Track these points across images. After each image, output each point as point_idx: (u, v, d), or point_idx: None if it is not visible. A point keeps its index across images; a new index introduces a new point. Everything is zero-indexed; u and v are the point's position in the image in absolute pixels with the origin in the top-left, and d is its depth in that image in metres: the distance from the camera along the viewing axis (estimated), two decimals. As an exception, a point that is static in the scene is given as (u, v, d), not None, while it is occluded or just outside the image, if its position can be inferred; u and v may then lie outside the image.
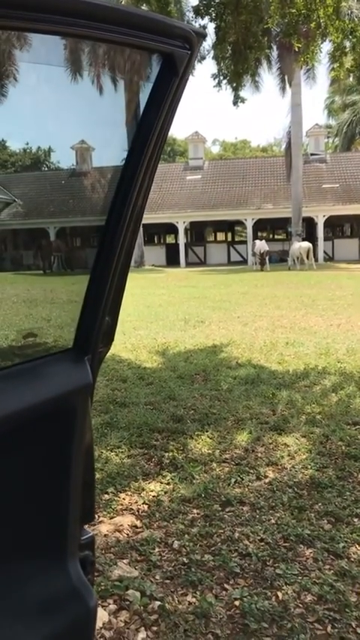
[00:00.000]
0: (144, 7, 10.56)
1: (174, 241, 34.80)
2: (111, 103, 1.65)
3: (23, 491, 1.36)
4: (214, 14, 8.53)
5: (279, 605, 2.49)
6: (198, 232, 36.52)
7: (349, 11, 9.62)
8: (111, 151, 2.03)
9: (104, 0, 1.05)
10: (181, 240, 32.72)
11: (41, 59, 1.19)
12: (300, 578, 2.68)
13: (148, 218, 28.94)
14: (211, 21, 8.71)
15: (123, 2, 20.60)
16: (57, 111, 1.76)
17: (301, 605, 2.49)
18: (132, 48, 1.19)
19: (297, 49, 8.13)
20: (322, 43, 7.95)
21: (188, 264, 32.44)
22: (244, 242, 33.47)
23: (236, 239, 36.91)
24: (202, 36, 1.27)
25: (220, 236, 37.78)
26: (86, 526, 1.54)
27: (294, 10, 6.96)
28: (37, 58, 1.19)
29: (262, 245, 26.90)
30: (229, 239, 36.86)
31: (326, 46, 11.06)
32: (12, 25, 0.96)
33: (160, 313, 11.59)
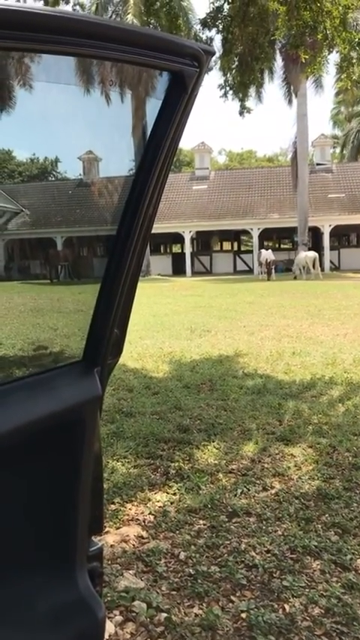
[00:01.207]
0: (153, 21, 10.67)
1: (180, 251, 34.94)
2: (120, 117, 1.68)
3: (32, 503, 1.37)
4: (221, 26, 8.62)
5: (286, 617, 2.47)
6: (204, 242, 36.66)
7: (355, 22, 9.71)
8: (119, 163, 2.05)
9: (116, 21, 1.07)
10: (187, 249, 32.83)
11: (54, 77, 1.21)
12: (307, 590, 2.67)
13: (155, 227, 28.57)
14: (218, 33, 8.82)
15: (130, 14, 20.87)
16: (67, 124, 1.79)
17: (308, 618, 2.48)
18: (142, 66, 1.22)
19: (304, 61, 8.18)
20: (328, 54, 8.01)
21: (194, 273, 32.53)
22: (250, 251, 33.56)
23: (242, 248, 37.01)
24: (211, 54, 1.29)
25: (226, 245, 37.89)
26: (94, 537, 1.54)
27: (300, 22, 7.00)
28: (51, 76, 1.21)
29: (268, 254, 26.97)
30: (235, 248, 36.97)
31: (333, 57, 11.14)
32: (30, 47, 0.99)
33: (166, 322, 11.60)
